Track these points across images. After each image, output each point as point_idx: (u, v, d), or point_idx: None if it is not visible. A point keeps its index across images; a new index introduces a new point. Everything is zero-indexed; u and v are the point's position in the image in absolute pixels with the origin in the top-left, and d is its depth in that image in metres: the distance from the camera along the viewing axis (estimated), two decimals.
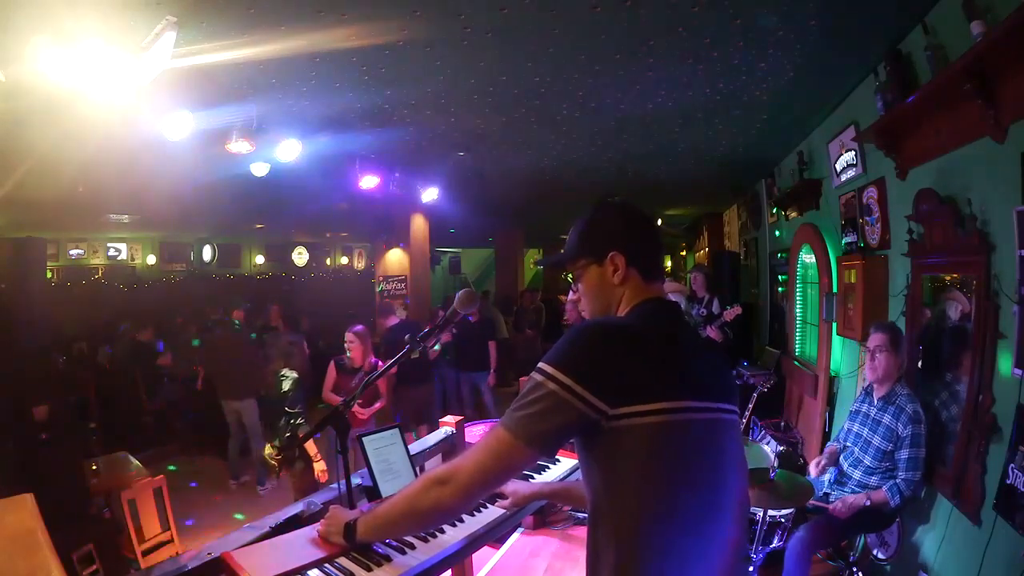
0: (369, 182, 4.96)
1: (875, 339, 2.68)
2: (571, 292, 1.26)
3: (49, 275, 9.07)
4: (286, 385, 3.97)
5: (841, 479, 2.80)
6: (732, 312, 4.81)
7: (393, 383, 4.71)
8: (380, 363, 4.23)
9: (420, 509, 1.09)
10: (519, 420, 1.00)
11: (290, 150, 4.04)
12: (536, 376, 1.00)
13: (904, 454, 2.51)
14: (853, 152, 3.50)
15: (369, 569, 1.25)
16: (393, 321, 5.69)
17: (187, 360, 6.73)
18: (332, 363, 4.25)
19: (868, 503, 2.54)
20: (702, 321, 5.03)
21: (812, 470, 2.86)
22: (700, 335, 1.13)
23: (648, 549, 0.97)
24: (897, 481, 2.51)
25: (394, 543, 1.33)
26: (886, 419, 2.60)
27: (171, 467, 5.85)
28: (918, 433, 2.50)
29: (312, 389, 4.46)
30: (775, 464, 2.97)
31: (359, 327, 4.20)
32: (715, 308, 5.29)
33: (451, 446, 2.08)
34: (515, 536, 2.18)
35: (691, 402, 1.00)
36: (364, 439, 1.65)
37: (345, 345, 4.16)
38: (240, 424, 5.35)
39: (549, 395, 0.98)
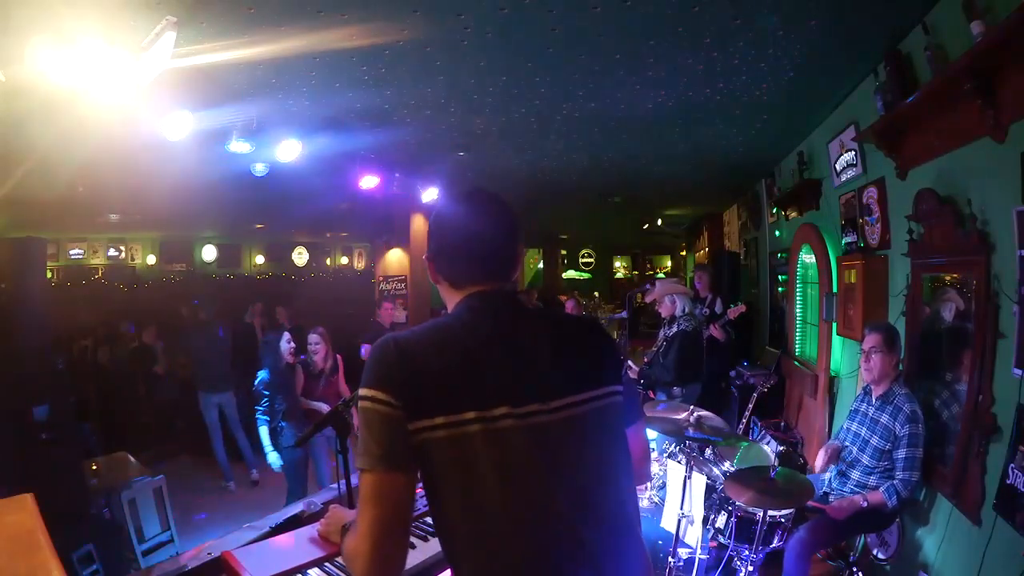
0: (369, 182, 4.96)
1: (869, 340, 2.67)
2: None
3: (49, 275, 9.06)
4: (255, 383, 4.01)
5: (841, 478, 2.80)
6: (736, 310, 4.82)
7: None
8: (340, 359, 4.34)
9: (353, 564, 1.01)
10: (364, 452, 0.96)
11: (290, 150, 4.04)
12: (359, 404, 1.00)
13: (901, 454, 2.50)
14: (853, 152, 3.50)
15: None
16: (387, 312, 5.87)
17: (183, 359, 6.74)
18: (299, 368, 4.24)
19: (865, 504, 2.53)
20: (705, 321, 5.03)
21: (816, 465, 2.83)
22: (550, 324, 1.02)
23: (466, 569, 0.97)
24: (894, 482, 2.50)
25: None
26: (884, 419, 2.60)
27: (171, 467, 5.85)
28: (915, 433, 2.49)
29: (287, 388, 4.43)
30: (775, 464, 2.97)
31: (320, 328, 4.24)
32: (717, 308, 5.31)
33: None
34: None
35: (493, 411, 0.95)
36: None
37: (310, 348, 4.15)
38: (222, 418, 5.43)
39: (369, 412, 0.97)
